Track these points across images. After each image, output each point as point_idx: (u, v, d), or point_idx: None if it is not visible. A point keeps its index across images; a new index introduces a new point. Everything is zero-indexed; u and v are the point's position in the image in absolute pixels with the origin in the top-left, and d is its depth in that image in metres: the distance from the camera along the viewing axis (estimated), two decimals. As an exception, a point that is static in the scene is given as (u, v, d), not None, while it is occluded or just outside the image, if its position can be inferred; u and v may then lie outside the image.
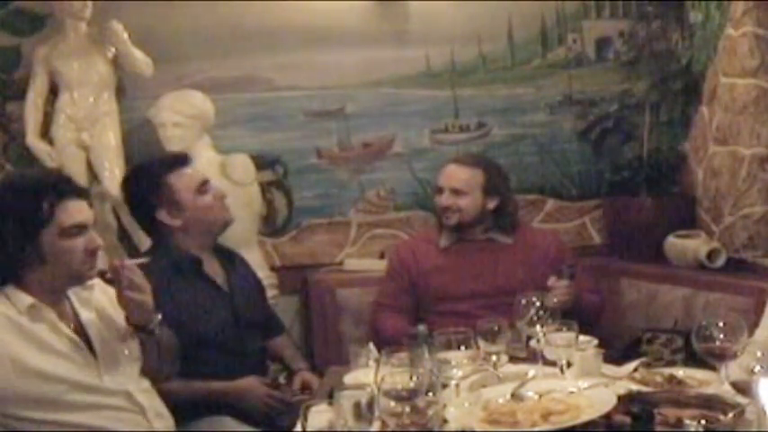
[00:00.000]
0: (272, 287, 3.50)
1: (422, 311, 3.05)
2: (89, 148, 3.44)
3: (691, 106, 3.79)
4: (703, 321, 1.92)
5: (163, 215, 2.59)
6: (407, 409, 1.67)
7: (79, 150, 3.44)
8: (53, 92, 3.49)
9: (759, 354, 1.75)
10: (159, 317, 2.16)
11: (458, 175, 3.08)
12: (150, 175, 2.63)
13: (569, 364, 2.03)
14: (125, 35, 3.43)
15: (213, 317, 2.58)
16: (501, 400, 1.85)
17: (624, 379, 2.06)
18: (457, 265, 3.07)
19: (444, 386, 1.86)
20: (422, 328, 2.28)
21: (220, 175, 3.43)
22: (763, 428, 1.60)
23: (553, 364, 2.06)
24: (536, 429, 1.69)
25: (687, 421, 1.62)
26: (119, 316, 2.14)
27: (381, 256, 3.74)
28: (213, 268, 2.68)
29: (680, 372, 2.07)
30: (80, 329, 2.08)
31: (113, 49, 3.46)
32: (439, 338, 2.04)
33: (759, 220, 3.39)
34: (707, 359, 1.90)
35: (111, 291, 2.14)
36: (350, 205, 3.90)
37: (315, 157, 3.87)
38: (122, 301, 2.10)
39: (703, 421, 1.61)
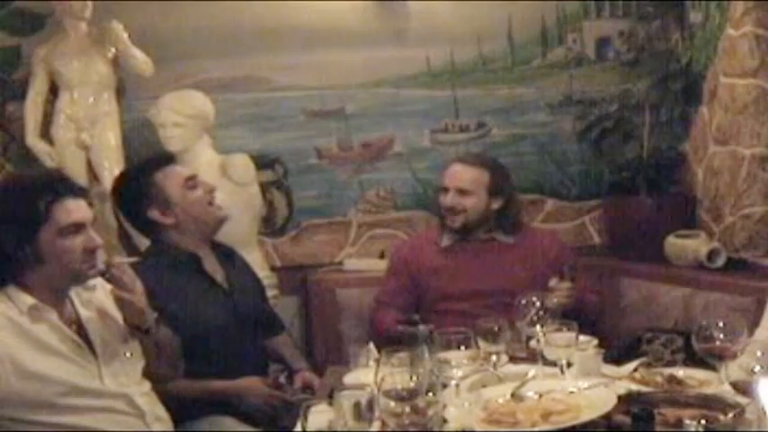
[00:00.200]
0: (272, 287, 3.50)
1: (422, 310, 3.04)
2: (89, 148, 3.44)
3: (691, 106, 3.79)
4: (703, 321, 1.92)
5: (155, 214, 2.60)
6: (407, 409, 1.67)
7: (79, 150, 3.44)
8: (53, 92, 3.50)
9: (759, 354, 1.75)
10: (155, 317, 2.15)
11: (463, 174, 3.06)
12: (137, 176, 2.65)
13: (569, 364, 2.03)
14: (125, 35, 3.43)
15: (212, 314, 2.57)
16: (501, 400, 1.85)
17: (624, 379, 2.06)
18: (458, 264, 3.07)
19: (444, 386, 1.85)
20: (422, 327, 2.28)
21: (220, 175, 3.43)
22: (763, 428, 1.60)
23: (553, 364, 2.05)
24: (536, 429, 1.69)
25: (687, 421, 1.62)
26: (120, 316, 2.14)
27: (381, 256, 3.74)
28: (212, 265, 2.68)
29: (680, 372, 2.07)
30: (81, 330, 2.07)
31: (113, 49, 3.46)
32: (439, 338, 2.04)
33: (759, 220, 3.39)
34: (707, 359, 1.90)
35: (113, 291, 2.14)
36: (350, 205, 3.90)
37: (315, 157, 3.87)
38: (117, 300, 2.11)
39: (703, 421, 1.61)
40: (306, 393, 2.64)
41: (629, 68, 3.97)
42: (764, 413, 1.59)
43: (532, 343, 2.24)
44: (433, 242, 3.15)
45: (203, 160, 3.44)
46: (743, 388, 1.73)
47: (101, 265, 2.08)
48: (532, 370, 2.09)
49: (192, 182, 2.64)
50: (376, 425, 1.70)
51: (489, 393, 1.91)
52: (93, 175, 3.43)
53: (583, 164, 3.99)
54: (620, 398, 1.78)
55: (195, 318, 2.50)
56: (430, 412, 1.67)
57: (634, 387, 1.96)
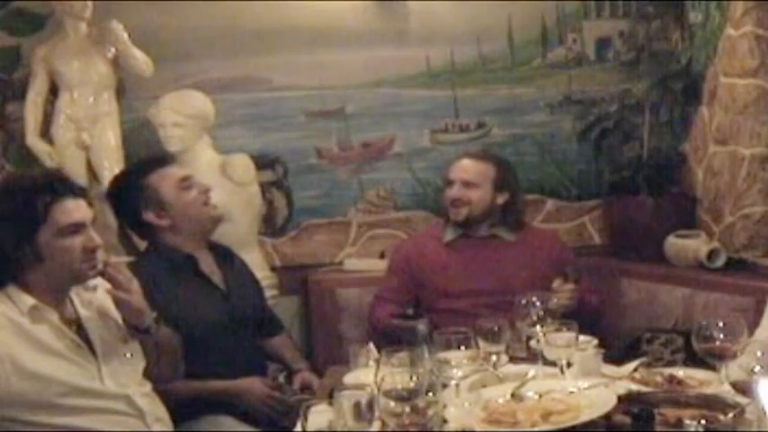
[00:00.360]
0: (272, 287, 3.50)
1: (423, 308, 3.05)
2: (89, 148, 3.44)
3: (691, 106, 3.78)
4: (703, 321, 1.91)
5: (150, 216, 2.60)
6: (407, 409, 1.67)
7: (79, 150, 3.44)
8: (53, 92, 3.49)
9: (759, 354, 1.74)
10: (153, 316, 2.15)
11: (469, 167, 3.09)
12: (131, 179, 2.66)
13: (569, 364, 2.03)
14: (125, 35, 3.43)
15: (210, 315, 2.58)
16: (501, 400, 1.85)
17: (624, 379, 2.06)
18: (460, 261, 3.07)
19: (444, 386, 1.86)
20: (422, 327, 2.28)
21: (220, 175, 3.43)
22: (763, 428, 1.60)
23: (553, 364, 2.06)
24: (536, 429, 1.69)
25: (687, 421, 1.62)
26: (120, 317, 2.14)
27: (381, 256, 3.74)
28: (209, 266, 2.68)
29: (680, 372, 2.07)
30: (81, 331, 2.07)
31: (113, 49, 3.46)
32: (439, 338, 2.04)
33: (759, 220, 3.39)
34: (707, 359, 1.90)
35: (113, 291, 2.14)
36: (350, 205, 3.90)
37: (315, 157, 3.87)
38: (114, 300, 2.11)
39: (703, 421, 1.61)
40: (305, 394, 2.64)
41: (629, 68, 3.97)
42: (764, 413, 1.59)
43: (532, 343, 2.24)
44: (435, 239, 3.15)
45: (203, 160, 3.44)
46: (743, 388, 1.73)
47: (100, 266, 2.08)
48: (532, 370, 2.09)
49: (186, 183, 2.64)
50: (376, 425, 1.70)
51: (489, 393, 1.91)
52: (93, 175, 3.42)
53: (583, 164, 3.99)
54: (620, 398, 1.78)
55: (192, 319, 2.50)
56: (430, 412, 1.68)
57: (634, 387, 1.97)
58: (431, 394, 1.68)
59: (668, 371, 2.09)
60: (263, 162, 3.72)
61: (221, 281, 2.68)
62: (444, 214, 3.17)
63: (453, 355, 1.98)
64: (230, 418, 2.52)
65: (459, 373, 1.94)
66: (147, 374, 2.19)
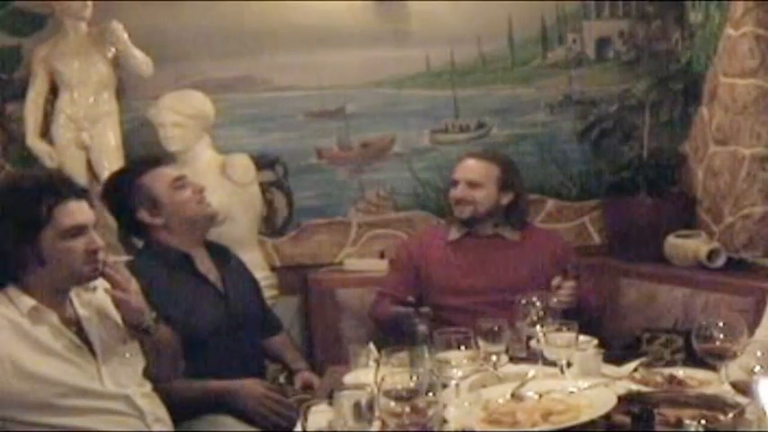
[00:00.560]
0: (272, 287, 3.50)
1: (425, 306, 3.04)
2: (89, 148, 3.44)
3: (691, 106, 3.79)
4: (703, 321, 1.91)
5: (144, 215, 2.60)
6: (407, 409, 1.67)
7: (79, 150, 3.44)
8: (53, 92, 3.50)
9: (759, 354, 1.74)
10: (153, 316, 2.15)
11: (474, 167, 3.11)
12: (125, 179, 2.66)
13: (569, 364, 2.03)
14: (125, 35, 3.43)
15: (207, 313, 2.57)
16: (501, 400, 1.85)
17: (624, 379, 2.06)
18: (463, 259, 3.09)
19: (444, 386, 1.85)
20: (422, 327, 2.28)
21: (220, 175, 3.43)
22: (763, 428, 1.60)
23: (553, 364, 2.06)
24: (536, 429, 1.69)
25: (687, 421, 1.62)
26: (120, 317, 2.14)
27: (381, 256, 3.74)
28: (205, 265, 2.68)
29: (680, 372, 2.07)
30: (81, 331, 2.07)
31: (113, 49, 3.46)
32: (439, 338, 2.04)
33: (759, 220, 3.39)
34: (707, 359, 1.90)
35: (113, 292, 2.14)
36: (350, 205, 3.90)
37: (315, 157, 3.87)
38: (113, 300, 2.11)
39: (703, 421, 1.61)
40: (306, 394, 2.64)
41: (629, 68, 3.97)
42: (764, 413, 1.59)
43: (532, 343, 2.24)
44: (439, 237, 3.18)
45: (203, 160, 3.44)
46: (743, 388, 1.73)
47: (101, 267, 2.08)
48: (532, 370, 2.09)
49: (180, 182, 2.65)
50: (376, 425, 1.70)
51: (489, 393, 1.91)
52: (93, 175, 3.42)
53: (583, 164, 3.99)
54: (620, 398, 1.78)
55: (189, 317, 2.49)
56: (430, 412, 1.67)
57: (634, 387, 1.96)
58: (431, 394, 1.68)
59: (668, 371, 2.08)
60: (263, 162, 3.72)
61: (218, 279, 2.68)
62: (449, 213, 3.19)
63: (453, 355, 1.98)
64: (230, 418, 2.51)
65: (459, 373, 1.94)
66: (147, 374, 2.19)
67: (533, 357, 2.19)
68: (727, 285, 3.15)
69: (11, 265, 2.00)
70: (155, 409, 2.15)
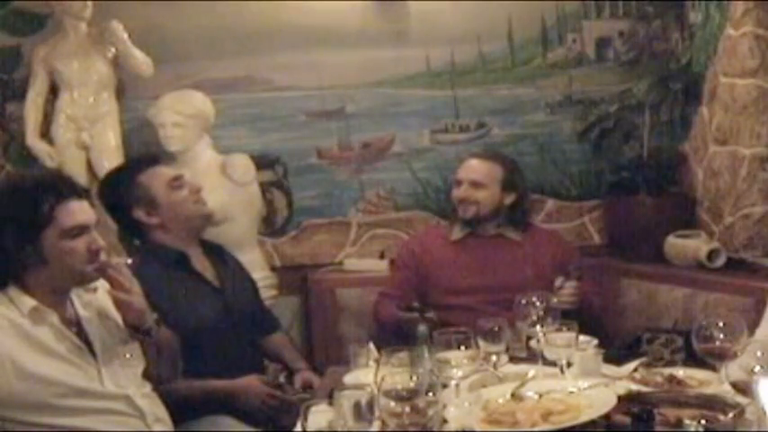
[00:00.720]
0: (272, 287, 3.51)
1: (427, 305, 3.05)
2: (89, 148, 3.44)
3: (691, 106, 3.78)
4: (703, 321, 1.91)
5: (140, 214, 2.60)
6: (407, 409, 1.67)
7: (79, 150, 3.44)
8: (53, 92, 3.50)
9: (759, 354, 1.74)
10: (154, 317, 2.15)
11: (477, 167, 3.12)
12: (122, 177, 2.66)
13: (569, 364, 2.03)
14: (125, 35, 3.44)
15: (204, 311, 2.58)
16: (501, 400, 1.85)
17: (624, 379, 2.07)
18: (466, 258, 3.09)
19: (444, 386, 1.85)
20: (422, 328, 2.28)
21: (220, 175, 3.43)
22: (763, 428, 1.60)
23: (553, 364, 2.06)
24: (536, 429, 1.69)
25: (687, 421, 1.62)
26: (120, 318, 2.14)
27: (381, 256, 3.75)
28: (201, 263, 2.68)
29: (680, 372, 2.07)
30: (81, 332, 2.07)
31: (113, 49, 3.46)
32: (439, 338, 2.04)
33: (759, 220, 3.39)
34: (707, 359, 1.90)
35: (114, 292, 2.14)
36: (350, 205, 3.90)
37: (315, 157, 3.87)
38: (114, 301, 2.11)
39: (703, 421, 1.61)
40: (306, 393, 2.64)
41: (629, 68, 3.97)
42: (764, 413, 1.59)
43: (532, 343, 2.24)
44: (441, 237, 3.18)
45: (203, 160, 3.44)
46: (743, 388, 1.73)
47: (102, 267, 2.08)
48: (532, 370, 2.09)
49: (177, 182, 2.65)
50: (376, 425, 1.70)
51: (489, 393, 1.91)
52: (93, 175, 3.42)
53: (583, 164, 3.99)
54: (620, 398, 1.78)
55: (185, 316, 2.49)
56: (430, 412, 1.67)
57: (634, 387, 1.97)
58: (431, 394, 1.68)
59: (668, 371, 2.09)
60: (263, 162, 3.72)
61: (214, 278, 2.68)
62: (449, 213, 3.19)
63: (453, 355, 1.98)
64: (230, 418, 2.51)
65: (460, 373, 1.94)
66: (147, 375, 2.18)
67: (533, 357, 2.19)
68: (727, 285, 3.15)
69: (12, 266, 1.99)
70: (155, 409, 2.15)
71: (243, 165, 3.52)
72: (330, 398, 1.83)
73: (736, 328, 1.87)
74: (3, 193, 2.08)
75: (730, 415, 1.63)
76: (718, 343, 1.86)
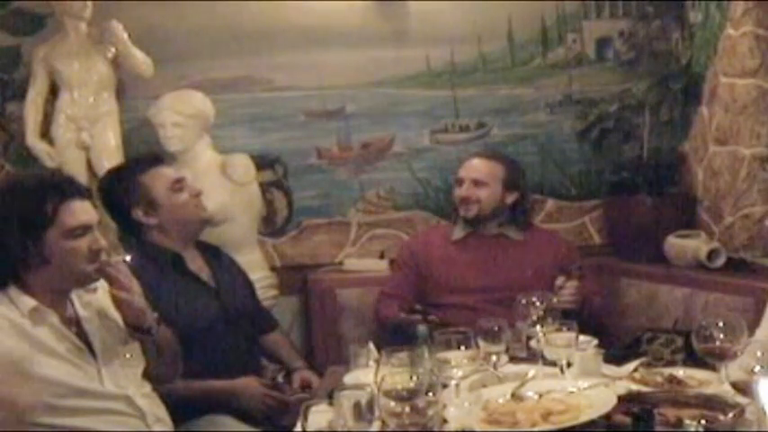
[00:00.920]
0: (272, 287, 3.50)
1: (429, 304, 3.05)
2: (89, 148, 3.44)
3: (691, 106, 3.78)
4: (703, 321, 1.92)
5: (139, 214, 2.61)
6: (407, 409, 1.67)
7: (79, 150, 3.44)
8: (53, 92, 3.49)
9: (759, 354, 1.75)
10: (154, 317, 2.15)
11: (479, 167, 3.13)
12: (124, 176, 2.66)
13: (569, 364, 2.03)
14: (125, 35, 3.43)
15: (200, 312, 2.58)
16: (501, 400, 1.85)
17: (624, 379, 2.07)
18: (467, 258, 3.10)
19: (444, 386, 1.85)
20: (422, 328, 2.28)
21: (220, 175, 3.43)
22: (763, 428, 1.60)
23: (553, 364, 2.06)
24: (536, 429, 1.69)
25: (687, 421, 1.62)
26: (120, 318, 2.14)
27: (381, 256, 3.74)
28: (197, 264, 2.68)
29: (680, 372, 2.07)
30: (81, 332, 2.07)
31: (113, 49, 3.46)
32: (439, 338, 2.04)
33: (759, 220, 3.38)
34: (707, 359, 1.90)
35: (114, 292, 2.14)
36: (350, 205, 3.90)
37: (315, 157, 3.87)
38: (115, 301, 2.10)
39: (703, 421, 1.61)
40: (305, 393, 2.64)
41: (629, 68, 3.97)
42: (764, 413, 1.59)
43: (532, 343, 2.24)
44: (442, 236, 3.20)
45: (203, 160, 3.44)
46: (743, 388, 1.73)
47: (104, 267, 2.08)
48: (532, 370, 2.09)
49: (178, 185, 2.65)
50: (376, 425, 1.70)
51: (489, 393, 1.91)
52: (93, 174, 3.42)
53: (583, 164, 3.99)
54: (620, 398, 1.78)
55: (183, 316, 2.50)
56: (430, 412, 1.67)
57: (634, 387, 1.97)
58: (431, 394, 1.68)
59: (668, 371, 2.09)
60: (263, 162, 3.72)
61: (210, 278, 2.69)
62: (449, 213, 3.19)
63: (453, 355, 1.98)
64: (230, 418, 2.52)
65: (460, 373, 1.94)
66: (147, 376, 2.18)
67: (533, 357, 2.19)
68: (727, 285, 3.15)
69: (13, 265, 1.99)
70: (155, 409, 2.15)
71: (243, 165, 3.52)
72: (330, 398, 1.83)
73: (736, 328, 1.87)
74: (6, 192, 2.08)
75: (730, 415, 1.63)
76: (718, 343, 1.87)
